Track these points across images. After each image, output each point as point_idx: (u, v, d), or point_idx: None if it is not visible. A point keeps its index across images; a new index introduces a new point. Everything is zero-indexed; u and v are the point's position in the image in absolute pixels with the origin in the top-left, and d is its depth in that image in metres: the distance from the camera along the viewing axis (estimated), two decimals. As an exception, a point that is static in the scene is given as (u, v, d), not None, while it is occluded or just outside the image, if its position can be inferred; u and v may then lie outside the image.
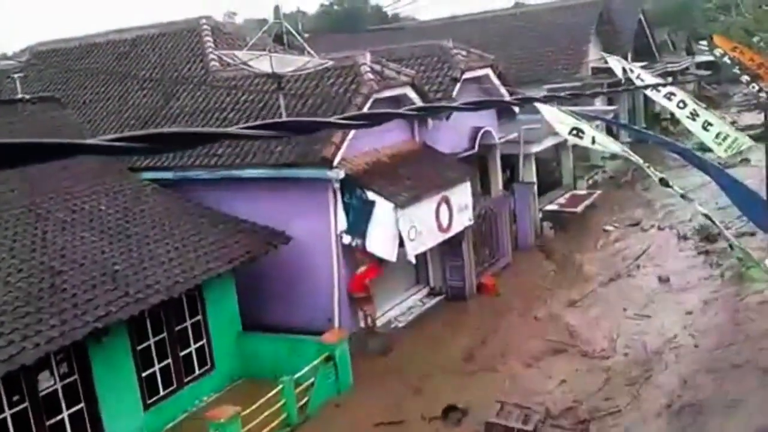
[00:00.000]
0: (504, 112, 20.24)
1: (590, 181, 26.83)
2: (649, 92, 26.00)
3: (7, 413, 10.47)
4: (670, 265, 18.79)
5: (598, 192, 25.05)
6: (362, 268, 14.75)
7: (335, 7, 60.07)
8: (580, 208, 22.94)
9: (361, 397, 13.35)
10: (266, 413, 11.94)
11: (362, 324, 15.13)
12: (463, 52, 19.46)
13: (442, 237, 15.69)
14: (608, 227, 22.42)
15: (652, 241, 20.81)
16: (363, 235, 14.35)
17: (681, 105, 17.92)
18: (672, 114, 21.19)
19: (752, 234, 16.90)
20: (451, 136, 18.08)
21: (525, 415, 11.75)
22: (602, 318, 16.24)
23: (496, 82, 20.22)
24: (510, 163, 22.20)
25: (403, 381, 13.65)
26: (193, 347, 13.57)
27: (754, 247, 13.72)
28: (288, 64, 14.66)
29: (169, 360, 13.11)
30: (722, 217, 17.17)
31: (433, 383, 13.59)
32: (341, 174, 14.26)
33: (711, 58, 27.28)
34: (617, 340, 14.77)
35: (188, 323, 13.49)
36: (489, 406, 12.17)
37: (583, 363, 14.11)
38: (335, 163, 14.12)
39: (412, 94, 16.29)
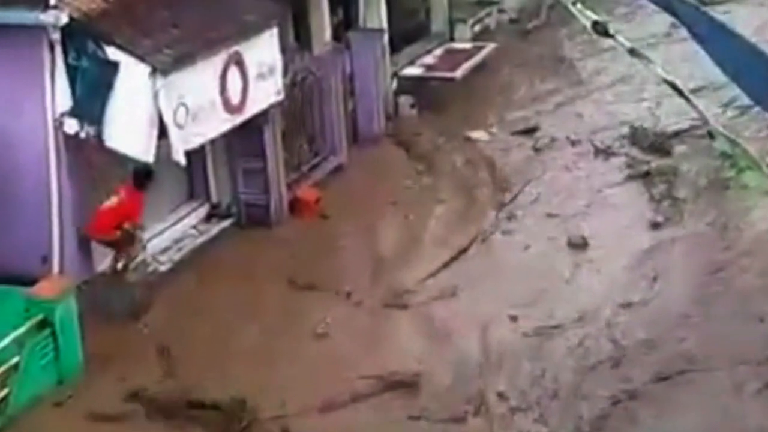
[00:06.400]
0: None
1: (478, 27, 21.09)
2: None
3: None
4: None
5: (492, 45, 19.58)
6: (113, 199, 11.49)
7: None
8: (459, 73, 17.98)
9: (97, 386, 10.19)
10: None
11: (111, 267, 11.61)
12: None
13: (231, 122, 12.40)
14: (475, 134, 15.85)
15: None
16: (99, 120, 10.92)
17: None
18: None
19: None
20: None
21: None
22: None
23: None
24: (344, -2, 17.59)
25: (163, 361, 10.48)
26: None
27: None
28: None
29: None
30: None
31: (208, 364, 10.40)
32: (63, 18, 10.88)
33: None
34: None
35: None
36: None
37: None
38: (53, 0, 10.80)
39: None
